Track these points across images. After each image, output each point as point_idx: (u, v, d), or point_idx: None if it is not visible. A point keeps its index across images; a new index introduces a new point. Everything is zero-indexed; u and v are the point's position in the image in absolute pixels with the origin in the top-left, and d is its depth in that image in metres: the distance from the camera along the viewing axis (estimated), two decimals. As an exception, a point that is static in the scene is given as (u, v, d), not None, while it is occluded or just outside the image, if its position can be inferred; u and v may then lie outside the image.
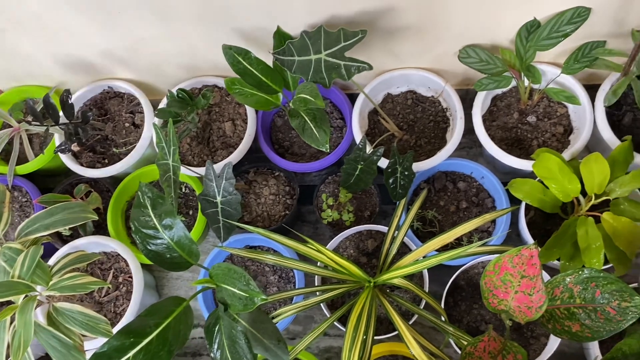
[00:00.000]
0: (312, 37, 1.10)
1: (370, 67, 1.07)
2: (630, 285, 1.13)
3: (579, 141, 1.25)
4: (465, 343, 1.05)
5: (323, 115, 1.16)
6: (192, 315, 1.01)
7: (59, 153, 1.37)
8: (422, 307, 1.21)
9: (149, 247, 1.10)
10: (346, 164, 1.18)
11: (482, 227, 1.30)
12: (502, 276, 1.01)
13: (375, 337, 1.23)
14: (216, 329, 1.00)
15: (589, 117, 1.26)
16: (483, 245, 1.20)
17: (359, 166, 1.17)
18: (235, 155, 1.34)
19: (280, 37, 1.18)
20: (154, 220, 1.09)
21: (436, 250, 1.18)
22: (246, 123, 1.38)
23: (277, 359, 1.02)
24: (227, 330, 0.98)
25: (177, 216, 1.40)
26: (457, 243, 1.29)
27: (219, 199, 1.15)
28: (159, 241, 1.09)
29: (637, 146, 1.27)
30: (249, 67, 1.16)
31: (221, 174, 1.13)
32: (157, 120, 1.38)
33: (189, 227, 1.38)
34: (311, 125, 1.14)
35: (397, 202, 1.23)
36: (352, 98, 1.39)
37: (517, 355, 1.00)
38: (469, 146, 1.49)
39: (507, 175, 1.33)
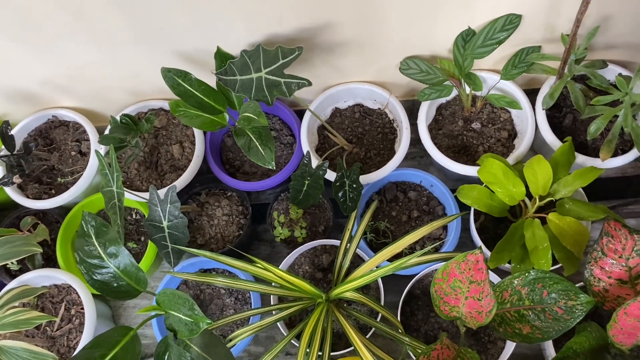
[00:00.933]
0: (251, 56, 1.10)
1: (310, 83, 1.07)
2: (578, 284, 1.16)
3: (522, 145, 1.28)
4: (420, 351, 1.05)
5: (268, 133, 1.16)
6: (140, 344, 0.99)
7: (1, 186, 1.34)
8: (379, 319, 1.21)
9: (95, 277, 1.07)
10: (293, 181, 1.18)
11: (434, 234, 1.31)
12: (451, 283, 1.01)
13: (335, 353, 1.22)
14: (166, 357, 0.98)
15: (530, 120, 1.29)
16: (434, 252, 1.21)
17: (306, 182, 1.17)
18: (184, 178, 1.32)
19: (221, 57, 1.18)
20: (99, 249, 1.07)
21: (388, 260, 1.18)
22: (194, 145, 1.36)
23: (231, 383, 1.00)
24: (177, 357, 0.96)
25: (130, 242, 1.39)
26: (411, 252, 1.30)
27: (165, 223, 1.13)
28: (104, 270, 1.07)
29: (578, 146, 1.30)
30: (190, 88, 1.15)
31: (165, 198, 1.11)
32: (102, 148, 1.36)
33: (141, 254, 1.35)
34: (257, 143, 1.14)
35: (349, 215, 1.23)
36: (301, 114, 1.39)
37: (471, 361, 1.00)
38: (420, 155, 1.51)
39: (457, 182, 1.34)
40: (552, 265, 1.19)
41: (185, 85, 1.15)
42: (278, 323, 1.21)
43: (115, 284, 1.07)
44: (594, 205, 1.17)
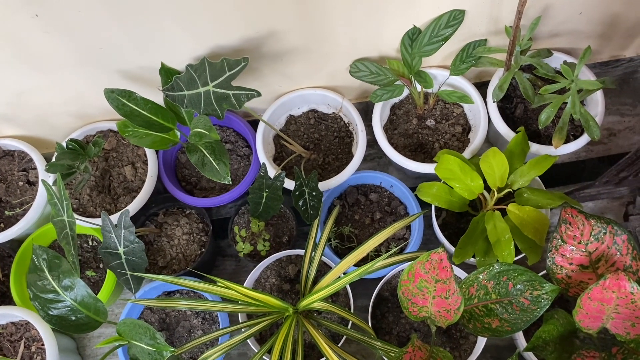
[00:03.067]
0: (197, 70, 1.07)
1: (259, 94, 1.05)
2: (542, 273, 1.18)
3: (477, 138, 1.28)
4: (392, 355, 1.04)
5: (222, 147, 1.13)
6: (103, 379, 0.95)
7: (-55, 224, 1.27)
8: (350, 325, 1.20)
9: (51, 312, 1.03)
10: (251, 194, 1.15)
11: (398, 234, 1.31)
12: (417, 283, 1.00)
13: (311, 364, 1.20)
14: (132, 388, 0.94)
15: (483, 114, 1.30)
16: (400, 253, 1.20)
17: (265, 194, 1.15)
18: (139, 200, 1.28)
19: (167, 73, 1.14)
20: (53, 283, 1.02)
21: (355, 265, 1.17)
22: (147, 165, 1.32)
23: (202, 409, 0.97)
24: (143, 388, 0.92)
25: (88, 271, 1.34)
26: (376, 255, 1.29)
27: (121, 249, 1.09)
28: (61, 304, 1.02)
29: (531, 135, 1.31)
30: (135, 108, 1.12)
31: (119, 223, 1.08)
32: (50, 176, 1.31)
33: (101, 282, 1.30)
34: (210, 159, 1.11)
35: (311, 224, 1.22)
36: (256, 124, 1.36)
37: (443, 361, 1.00)
38: (379, 156, 1.50)
39: (417, 180, 1.34)
40: (516, 256, 1.20)
41: (131, 105, 1.11)
42: (248, 340, 1.19)
43: (73, 318, 1.03)
44: (551, 193, 1.19)
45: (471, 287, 1.03)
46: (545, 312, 1.05)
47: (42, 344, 1.26)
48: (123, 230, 1.07)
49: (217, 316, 1.29)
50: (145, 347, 0.89)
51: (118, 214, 1.27)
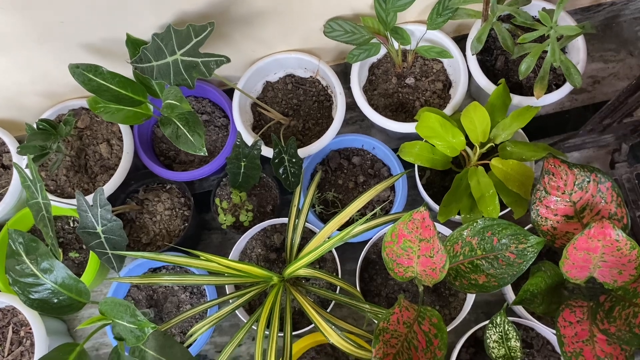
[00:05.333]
0: (163, 39, 1.03)
1: (228, 60, 1.01)
2: (528, 226, 1.16)
3: (457, 94, 1.25)
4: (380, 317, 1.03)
5: (195, 118, 1.09)
6: (88, 359, 0.94)
7: None
8: (339, 290, 1.19)
9: (32, 296, 1.01)
10: (229, 165, 1.13)
11: (382, 196, 1.29)
12: (401, 244, 0.99)
13: (300, 330, 1.20)
14: (119, 366, 0.94)
15: (463, 68, 1.26)
16: (385, 214, 1.18)
17: (243, 164, 1.12)
18: (117, 177, 1.26)
19: (133, 44, 1.10)
20: (31, 266, 1.00)
21: (339, 230, 1.15)
22: (122, 141, 1.29)
23: (192, 382, 0.97)
24: (129, 366, 0.91)
25: (71, 252, 1.32)
26: (361, 216, 1.27)
27: (99, 228, 1.07)
28: (41, 287, 1.00)
29: (513, 87, 1.28)
30: (103, 82, 1.08)
31: (95, 202, 1.05)
32: (24, 158, 1.27)
33: (85, 262, 1.28)
34: (184, 130, 1.08)
35: (294, 191, 1.19)
36: (232, 93, 1.32)
37: (432, 319, 0.99)
38: (360, 118, 1.47)
39: (401, 140, 1.31)
40: (502, 211, 1.19)
41: (98, 80, 1.07)
42: (237, 311, 1.18)
43: (55, 300, 1.01)
44: (535, 145, 1.16)
45: (456, 245, 1.02)
46: (532, 265, 1.04)
47: (30, 328, 1.25)
48: (99, 209, 1.05)
49: (204, 290, 1.28)
50: (127, 325, 0.88)
51: (91, 195, 1.24)
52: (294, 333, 1.18)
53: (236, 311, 1.18)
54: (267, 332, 1.04)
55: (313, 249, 1.05)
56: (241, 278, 1.09)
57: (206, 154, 1.03)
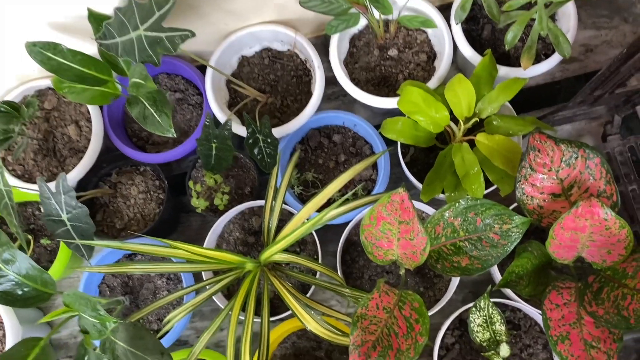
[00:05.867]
0: (126, 13, 0.97)
1: (193, 34, 0.95)
2: (512, 206, 1.12)
3: (442, 66, 1.19)
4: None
5: (163, 97, 1.03)
6: (52, 353, 0.90)
7: None
8: (319, 274, 1.15)
9: (-5, 289, 0.97)
10: (199, 146, 1.07)
11: (364, 176, 1.24)
12: (380, 227, 0.94)
13: (278, 316, 1.16)
14: (86, 359, 0.90)
15: (447, 38, 1.20)
16: (367, 194, 1.13)
17: (213, 145, 1.07)
18: (86, 161, 1.20)
19: (96, 19, 1.03)
20: (-9, 258, 0.96)
21: (318, 211, 1.11)
22: (91, 122, 1.23)
23: (164, 373, 0.93)
24: (95, 360, 0.87)
25: (42, 239, 1.27)
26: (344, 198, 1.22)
27: (64, 216, 1.02)
28: (4, 279, 0.96)
29: (501, 58, 1.22)
30: (63, 61, 1.02)
31: (57, 189, 1.00)
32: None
33: (57, 250, 1.24)
34: (152, 110, 1.02)
35: (271, 172, 1.14)
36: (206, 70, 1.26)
37: (413, 304, 0.95)
38: (343, 94, 1.40)
39: (385, 116, 1.25)
40: (488, 188, 1.14)
41: (57, 58, 1.01)
42: (214, 297, 1.14)
43: (20, 292, 0.97)
44: (523, 118, 1.11)
45: (437, 226, 0.97)
46: (518, 245, 1.00)
47: (1, 319, 1.21)
48: (63, 196, 1.00)
49: (182, 275, 1.24)
50: (89, 318, 0.84)
51: (69, 176, 1.19)
52: (274, 318, 1.14)
53: (213, 297, 1.14)
54: (243, 318, 1.00)
55: (289, 232, 1.00)
56: (215, 265, 1.04)
57: (174, 135, 0.97)
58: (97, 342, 0.94)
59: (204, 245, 1.18)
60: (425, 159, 1.23)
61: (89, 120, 1.25)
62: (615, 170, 1.25)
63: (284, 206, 1.18)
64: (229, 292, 1.21)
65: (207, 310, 1.34)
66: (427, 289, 1.17)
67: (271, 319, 1.13)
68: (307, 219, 1.08)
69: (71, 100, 1.25)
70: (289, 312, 1.16)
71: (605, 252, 0.91)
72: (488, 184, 1.11)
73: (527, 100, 1.34)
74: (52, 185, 1.02)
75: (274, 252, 1.01)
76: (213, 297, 1.14)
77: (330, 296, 1.33)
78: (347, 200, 1.06)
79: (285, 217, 1.20)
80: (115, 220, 1.26)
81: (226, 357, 1.17)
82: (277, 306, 1.20)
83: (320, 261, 1.17)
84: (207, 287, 1.10)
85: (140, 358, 0.93)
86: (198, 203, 1.18)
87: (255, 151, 1.09)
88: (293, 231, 0.98)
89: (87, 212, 1.02)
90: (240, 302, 0.99)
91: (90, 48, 1.06)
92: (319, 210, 1.10)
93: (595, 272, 0.96)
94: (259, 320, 1.03)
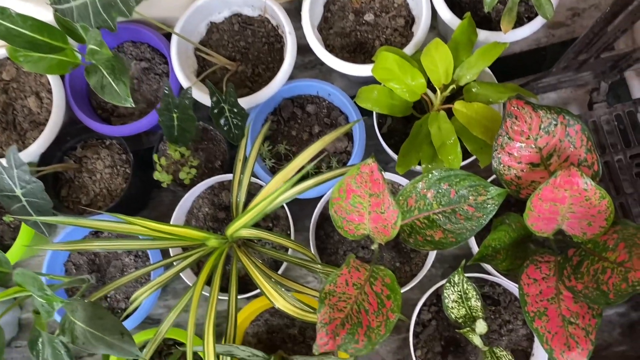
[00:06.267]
0: (78, -25, 0.91)
1: (147, -5, 0.89)
2: (491, 178, 1.07)
3: (419, 30, 1.13)
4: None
5: (121, 65, 0.97)
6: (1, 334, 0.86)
7: None
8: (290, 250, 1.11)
9: (-53, 268, 0.92)
10: (160, 117, 1.01)
11: (339, 148, 1.18)
12: (350, 200, 0.89)
13: (251, 293, 1.12)
14: (39, 343, 0.86)
15: (425, 1, 1.13)
16: (342, 166, 1.08)
17: (174, 115, 1.01)
18: (48, 133, 1.14)
19: (48, -19, 0.97)
20: (-59, 236, 0.91)
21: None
22: (52, 94, 1.17)
23: (124, 354, 0.89)
24: (49, 344, 0.83)
25: (5, 217, 1.22)
26: (317, 171, 1.17)
27: (18, 191, 0.97)
28: (-46, 259, 0.91)
29: (482, 22, 1.16)
30: (12, 26, 0.95)
31: (8, 163, 0.94)
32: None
33: (18, 229, 1.19)
34: (110, 79, 0.96)
35: (239, 144, 1.09)
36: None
37: (385, 280, 0.90)
38: (320, 62, 1.33)
39: (363, 85, 1.20)
40: (467, 159, 1.09)
41: (6, 24, 0.94)
42: (182, 275, 1.10)
43: (-27, 271, 0.92)
44: (503, 85, 1.05)
45: (409, 199, 0.92)
46: (495, 217, 0.95)
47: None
48: (15, 170, 0.95)
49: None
50: (38, 299, 0.80)
51: (24, 151, 1.13)
52: (243, 296, 1.10)
53: (181, 275, 1.10)
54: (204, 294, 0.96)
55: (254, 206, 0.95)
56: (179, 241, 1.00)
57: (132, 105, 0.92)
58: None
59: (172, 222, 1.14)
60: (402, 130, 1.18)
61: (50, 91, 1.19)
62: (602, 140, 1.20)
63: (255, 180, 1.13)
64: (199, 269, 1.17)
65: (180, 289, 1.30)
66: (403, 264, 1.13)
67: (240, 296, 1.10)
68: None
69: (30, 71, 1.20)
70: (259, 290, 1.13)
71: (585, 224, 0.87)
72: (467, 154, 1.06)
73: (512, 68, 1.29)
74: (4, 160, 0.97)
75: (239, 227, 0.96)
76: (181, 274, 1.10)
77: (307, 272, 1.29)
78: (319, 173, 1.01)
79: (256, 192, 1.14)
80: (80, 195, 1.21)
81: (197, 337, 1.13)
82: (250, 283, 1.16)
83: (292, 237, 1.12)
84: (175, 263, 1.06)
85: (99, 339, 0.90)
86: (161, 177, 1.13)
87: (222, 122, 1.04)
88: (258, 204, 0.93)
89: (43, 187, 0.97)
90: (204, 279, 0.95)
91: (47, 15, 1.00)
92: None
93: (575, 246, 0.92)
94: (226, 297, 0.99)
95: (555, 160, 0.89)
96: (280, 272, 1.11)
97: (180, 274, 1.08)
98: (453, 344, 1.11)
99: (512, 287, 1.08)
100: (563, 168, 0.82)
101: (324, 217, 1.17)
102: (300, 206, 1.27)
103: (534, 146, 0.89)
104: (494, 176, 1.06)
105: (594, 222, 0.86)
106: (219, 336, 1.08)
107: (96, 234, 1.21)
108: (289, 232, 1.13)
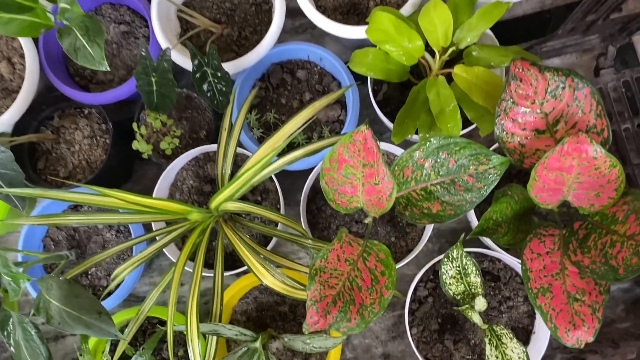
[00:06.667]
0: None
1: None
2: (493, 147, 1.01)
3: (412, -10, 1.05)
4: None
5: (96, 25, 0.90)
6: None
7: None
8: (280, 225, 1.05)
9: None
10: (138, 81, 0.94)
11: (331, 116, 1.12)
12: (342, 171, 0.83)
13: (239, 270, 1.07)
14: (10, 323, 0.80)
15: (422, -43, 1.06)
16: (334, 136, 1.02)
17: (153, 79, 0.94)
18: (21, 102, 1.07)
19: None
20: None
21: (278, 156, 0.99)
22: (25, 59, 1.10)
23: (102, 334, 0.84)
24: (19, 324, 0.78)
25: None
26: (308, 141, 1.11)
27: (-15, 162, 0.90)
28: None
29: (484, -19, 1.09)
30: (-24, -17, 0.88)
31: (-28, 130, 0.88)
32: None
33: (-6, 201, 1.13)
34: (83, 41, 0.89)
35: (224, 112, 1.02)
36: None
37: (379, 255, 0.85)
38: (312, 26, 1.27)
39: (357, 49, 1.13)
40: (466, 127, 1.03)
41: (-32, -20, 0.87)
42: (165, 249, 1.04)
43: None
44: (505, 48, 0.99)
45: (406, 169, 0.86)
46: (496, 189, 0.90)
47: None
48: (-20, 139, 0.88)
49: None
50: (4, 276, 0.74)
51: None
52: (230, 273, 1.04)
53: (164, 250, 1.04)
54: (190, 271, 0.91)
55: (238, 177, 0.89)
56: (161, 215, 0.94)
57: (107, 68, 0.85)
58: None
59: (154, 195, 1.07)
60: (399, 98, 1.11)
61: (22, 56, 1.11)
62: (608, 108, 1.14)
63: (242, 151, 1.07)
64: (184, 245, 1.11)
65: (166, 265, 1.25)
66: (398, 238, 1.08)
67: (227, 273, 1.04)
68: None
69: (5, 35, 1.12)
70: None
71: (593, 195, 0.81)
72: (466, 123, 1.00)
73: (514, 32, 1.22)
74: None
75: (223, 199, 0.90)
76: (165, 250, 1.04)
77: (298, 249, 1.23)
78: (310, 143, 0.95)
79: (242, 163, 1.08)
80: (58, 168, 1.14)
81: (182, 315, 1.08)
82: (239, 260, 1.11)
83: (282, 211, 1.06)
84: (157, 239, 1.00)
85: (76, 318, 0.85)
86: (141, 146, 1.06)
87: (204, 87, 0.97)
88: (243, 174, 0.87)
89: (12, 158, 0.90)
90: (187, 254, 0.90)
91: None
92: (281, 154, 0.99)
93: (582, 218, 0.87)
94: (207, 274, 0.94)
95: (562, 127, 0.83)
96: (269, 248, 1.06)
97: (164, 249, 1.03)
98: (450, 321, 1.07)
99: (513, 262, 1.03)
100: (571, 135, 0.76)
101: (316, 190, 1.11)
102: (291, 180, 1.21)
103: (539, 111, 0.82)
104: (495, 145, 1.00)
105: (603, 192, 0.80)
106: (206, 315, 1.03)
107: (75, 208, 1.15)
108: (278, 207, 1.08)
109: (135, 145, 1.06)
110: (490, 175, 0.83)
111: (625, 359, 1.14)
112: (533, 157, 0.86)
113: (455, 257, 0.89)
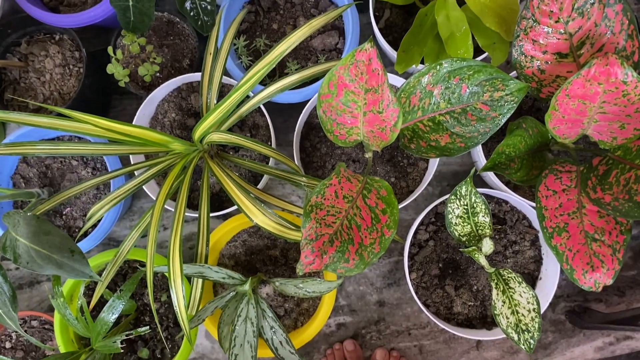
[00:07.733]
0: None
1: None
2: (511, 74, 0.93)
3: None
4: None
5: None
6: None
7: None
8: (272, 161, 0.97)
9: None
10: (112, -6, 0.83)
11: (329, 45, 1.02)
12: (342, 97, 0.75)
13: (227, 210, 0.99)
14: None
15: None
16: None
17: (128, -7, 0.84)
18: (-19, 22, 0.96)
19: None
20: None
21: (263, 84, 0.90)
22: (-16, -27, 0.98)
23: (75, 274, 0.76)
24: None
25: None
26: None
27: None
28: None
29: None
30: None
31: None
32: None
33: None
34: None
35: (209, 35, 0.92)
36: None
37: (380, 192, 0.77)
38: (307, -52, 1.16)
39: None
40: (476, 57, 0.94)
41: None
42: (144, 187, 0.96)
43: None
44: (524, -34, 0.89)
45: (413, 96, 0.77)
46: (509, 120, 0.82)
47: None
48: None
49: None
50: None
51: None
52: (217, 214, 0.97)
53: (144, 187, 0.96)
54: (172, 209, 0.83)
55: (223, 101, 0.80)
56: (139, 147, 0.85)
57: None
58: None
59: (133, 128, 0.98)
60: (403, 26, 1.02)
61: (-18, -29, 0.99)
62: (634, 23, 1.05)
63: (229, 80, 0.97)
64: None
65: (148, 207, 1.17)
66: (398, 179, 1.00)
67: (214, 214, 0.97)
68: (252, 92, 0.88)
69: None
70: (236, 207, 0.99)
71: (617, 127, 0.74)
72: (477, 51, 0.91)
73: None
74: None
75: (208, 127, 0.81)
76: (144, 187, 0.96)
77: (290, 191, 1.15)
78: (303, 68, 0.86)
79: (227, 92, 0.99)
80: (28, 99, 1.04)
81: (165, 258, 1.01)
82: (227, 201, 1.03)
83: (274, 147, 0.98)
84: (137, 174, 0.92)
85: (46, 257, 0.76)
86: (116, 71, 0.96)
87: (187, 5, 0.86)
88: (229, 98, 0.78)
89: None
90: (167, 190, 0.81)
91: None
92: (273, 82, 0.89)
93: (601, 153, 0.79)
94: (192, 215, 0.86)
95: (587, 50, 0.75)
96: (260, 187, 0.98)
97: (143, 186, 0.94)
98: (452, 266, 1.01)
99: (521, 204, 0.96)
100: (598, 57, 0.68)
101: (311, 126, 1.02)
102: (284, 117, 1.12)
103: (563, 31, 0.74)
104: (512, 72, 0.91)
105: (629, 123, 0.73)
106: (191, 260, 0.96)
107: (50, 141, 1.05)
108: (269, 143, 0.99)
109: (109, 68, 0.96)
110: (507, 103, 0.74)
111: (631, 307, 1.09)
112: (552, 86, 0.78)
113: (464, 194, 0.82)
